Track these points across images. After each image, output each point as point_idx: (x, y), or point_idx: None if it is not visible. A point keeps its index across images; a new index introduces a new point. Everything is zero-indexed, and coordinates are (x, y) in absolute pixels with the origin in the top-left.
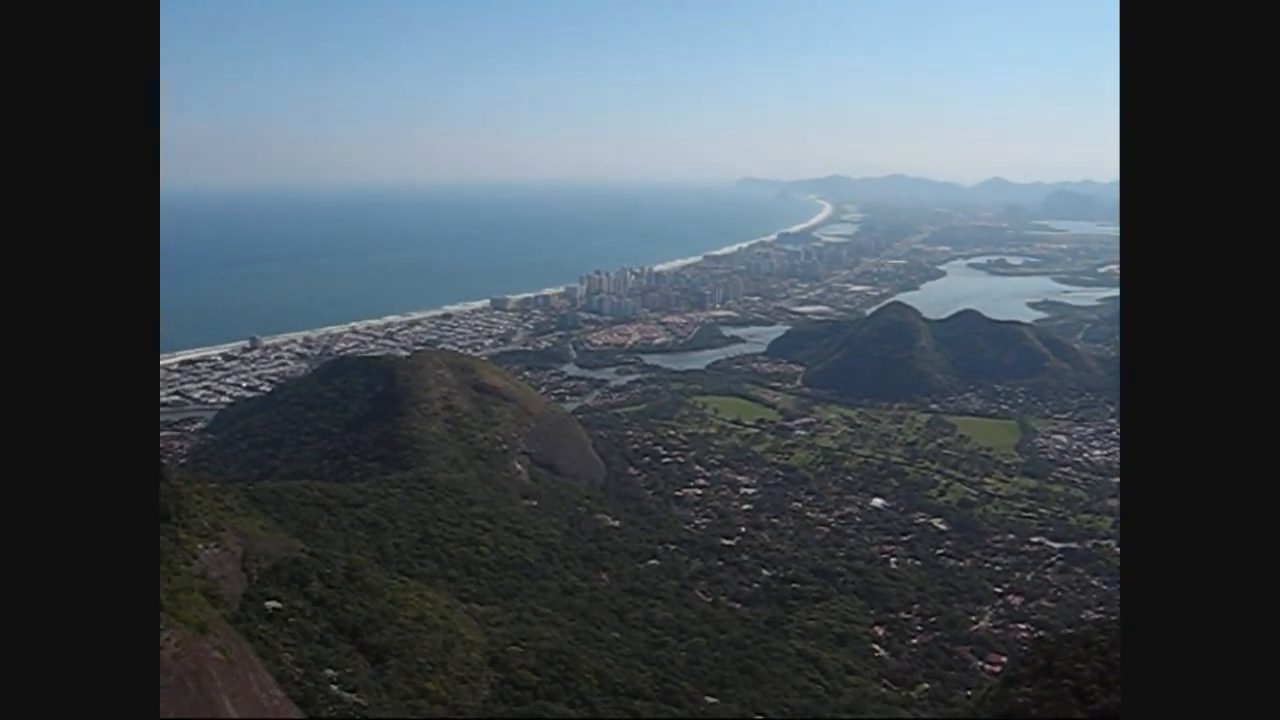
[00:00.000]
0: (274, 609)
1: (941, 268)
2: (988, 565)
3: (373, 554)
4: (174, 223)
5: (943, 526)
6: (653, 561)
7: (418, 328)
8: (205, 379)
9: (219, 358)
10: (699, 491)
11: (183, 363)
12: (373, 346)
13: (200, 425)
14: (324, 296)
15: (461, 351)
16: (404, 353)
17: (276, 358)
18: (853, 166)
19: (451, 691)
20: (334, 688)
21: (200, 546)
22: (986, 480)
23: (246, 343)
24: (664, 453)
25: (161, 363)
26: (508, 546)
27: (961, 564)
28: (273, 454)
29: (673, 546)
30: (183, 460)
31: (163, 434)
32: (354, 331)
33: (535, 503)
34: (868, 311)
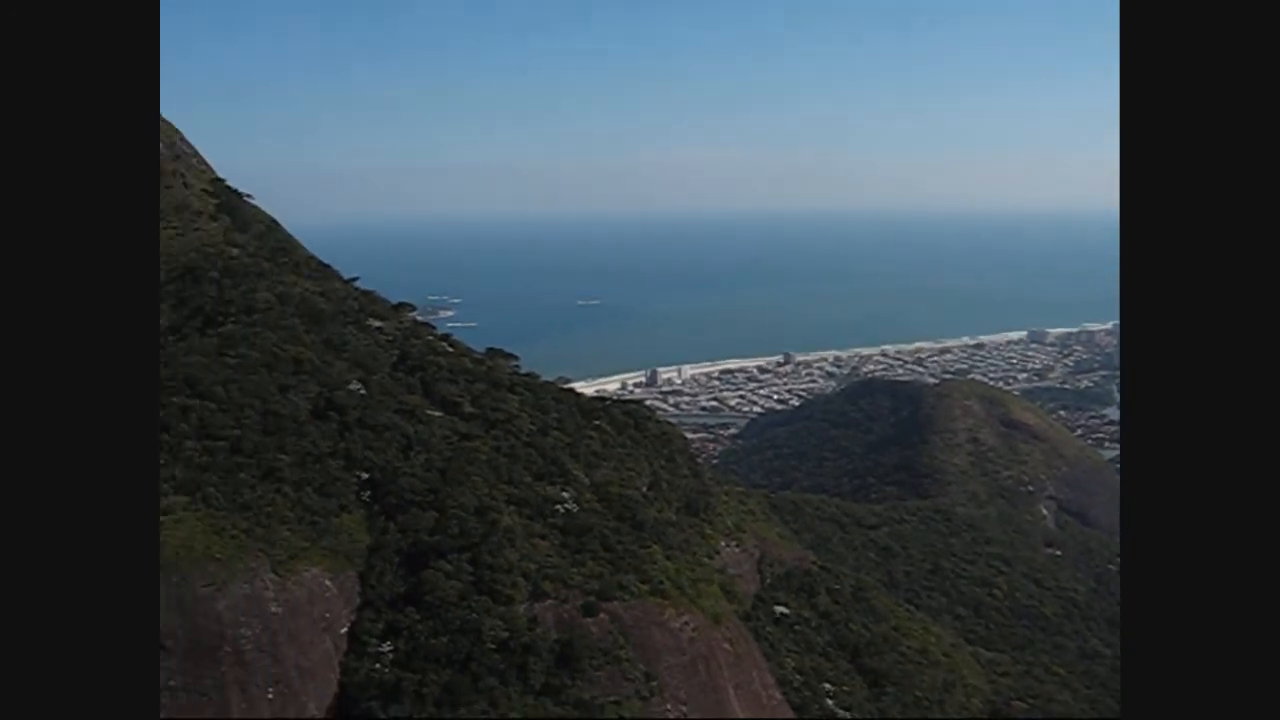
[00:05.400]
0: (782, 614)
1: None
2: None
3: (880, 577)
4: (716, 242)
5: None
6: None
7: (948, 355)
8: (741, 388)
9: (755, 369)
10: None
11: (723, 372)
12: (900, 371)
13: (733, 431)
14: (857, 317)
15: (992, 384)
16: (932, 380)
17: (807, 374)
18: None
19: None
20: (829, 702)
21: (722, 544)
22: None
23: (781, 357)
24: None
25: (703, 371)
26: (1023, 594)
27: None
28: (795, 466)
29: None
30: (714, 461)
31: (698, 435)
32: (883, 354)
33: (1059, 552)
34: None
